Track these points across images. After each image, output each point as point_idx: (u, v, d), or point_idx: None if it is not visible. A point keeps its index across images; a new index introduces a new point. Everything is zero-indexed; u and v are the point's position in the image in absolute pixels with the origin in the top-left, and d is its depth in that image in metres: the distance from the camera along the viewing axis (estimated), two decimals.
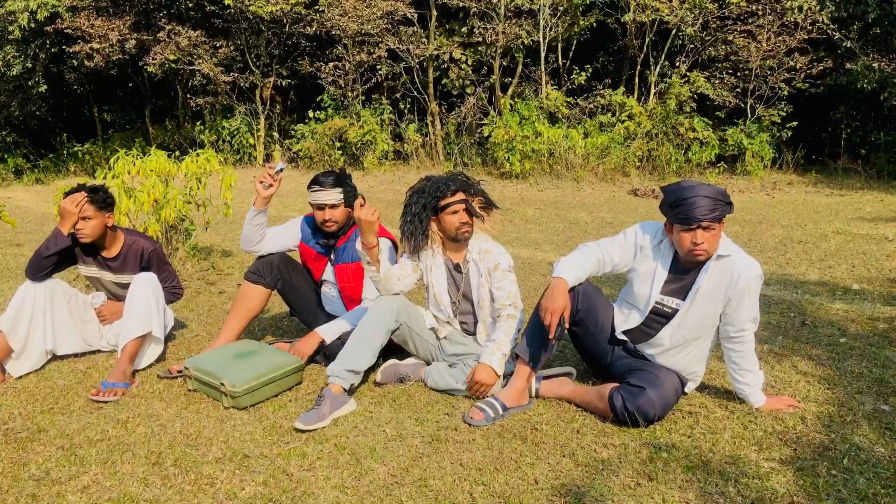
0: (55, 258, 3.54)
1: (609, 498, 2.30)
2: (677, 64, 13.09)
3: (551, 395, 3.07)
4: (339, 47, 14.32)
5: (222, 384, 3.08)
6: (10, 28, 14.62)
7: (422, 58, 14.10)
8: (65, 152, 18.55)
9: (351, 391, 3.15)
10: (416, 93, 14.64)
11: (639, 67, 13.54)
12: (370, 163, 14.01)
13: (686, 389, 3.03)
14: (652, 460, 2.53)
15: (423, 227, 3.21)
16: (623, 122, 12.80)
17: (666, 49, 13.13)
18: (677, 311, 2.86)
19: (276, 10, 13.79)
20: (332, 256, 3.65)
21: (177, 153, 16.44)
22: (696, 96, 12.60)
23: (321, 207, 3.49)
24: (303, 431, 2.85)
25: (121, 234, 3.76)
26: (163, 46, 14.18)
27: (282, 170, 3.53)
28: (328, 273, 3.72)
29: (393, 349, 3.44)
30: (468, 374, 3.10)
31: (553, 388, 3.07)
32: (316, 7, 13.93)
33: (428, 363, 3.38)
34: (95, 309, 3.83)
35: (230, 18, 14.90)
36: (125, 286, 3.76)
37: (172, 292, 3.81)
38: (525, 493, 2.34)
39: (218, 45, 14.90)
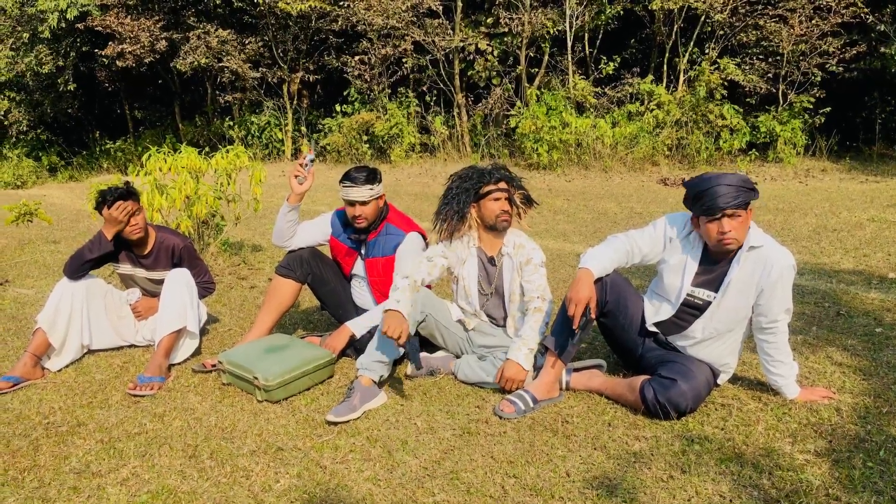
0: (95, 261, 3.63)
1: (641, 491, 2.30)
2: (707, 50, 12.90)
3: (582, 388, 3.07)
4: (365, 41, 14.34)
5: (255, 378, 3.12)
6: (41, 28, 14.86)
7: (447, 49, 14.07)
8: (97, 150, 18.89)
9: (381, 383, 3.18)
10: (442, 85, 14.62)
11: (667, 55, 13.37)
12: (397, 156, 14.04)
13: (719, 381, 3.00)
14: (684, 453, 2.52)
15: (463, 210, 3.22)
16: (652, 110, 12.66)
17: (695, 36, 12.95)
18: (710, 302, 2.84)
19: (305, 7, 13.85)
20: (363, 251, 3.68)
21: (206, 149, 16.72)
22: (726, 83, 12.40)
23: (352, 204, 3.51)
24: (334, 424, 2.89)
25: (152, 232, 3.84)
26: (193, 47, 14.31)
27: (312, 160, 3.57)
28: (358, 267, 3.74)
29: (423, 343, 3.46)
30: (498, 367, 3.11)
31: (583, 380, 3.07)
32: (341, 3, 13.97)
33: (457, 356, 3.39)
34: (130, 305, 3.91)
35: (258, 15, 15.00)
36: (158, 282, 3.83)
37: (205, 287, 3.87)
38: (557, 486, 2.35)
39: (246, 41, 15.01)
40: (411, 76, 14.83)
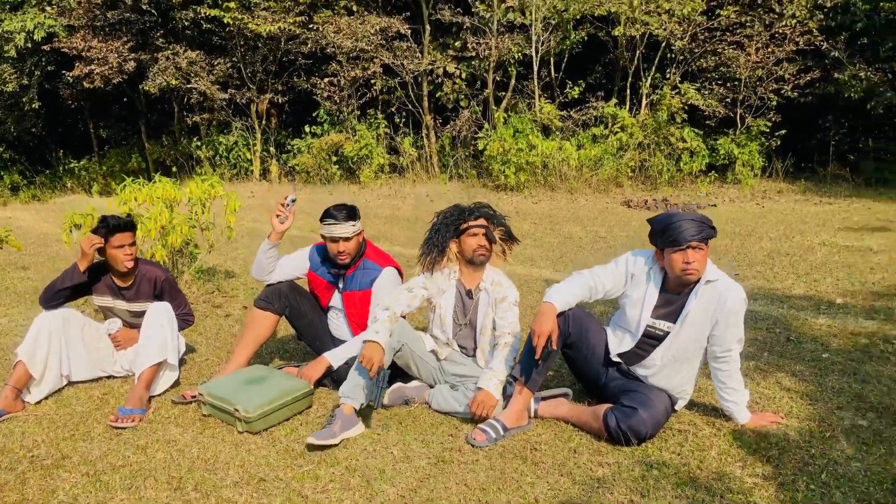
0: (68, 291, 3.72)
1: None
2: (668, 75, 13.32)
3: (549, 416, 3.25)
4: (334, 63, 14.50)
5: (236, 409, 3.24)
6: (6, 47, 14.77)
7: (416, 72, 14.30)
8: (61, 169, 18.70)
9: (359, 412, 3.32)
10: (410, 107, 14.84)
11: (630, 79, 13.76)
12: (366, 177, 14.19)
13: (676, 407, 3.20)
14: (644, 478, 2.70)
15: (443, 244, 3.45)
16: (615, 133, 13.01)
17: (656, 61, 13.36)
18: (668, 333, 3.04)
19: (274, 29, 13.97)
20: (341, 285, 3.82)
21: (174, 169, 16.70)
22: (686, 107, 12.82)
23: (335, 240, 3.65)
24: (315, 447, 3.02)
25: (137, 264, 3.92)
26: (162, 68, 14.33)
27: (293, 201, 3.71)
28: (336, 300, 3.88)
29: (397, 374, 3.61)
30: (469, 397, 3.28)
31: (550, 408, 3.25)
32: (311, 25, 14.13)
33: (431, 386, 3.55)
34: (111, 335, 3.98)
35: (228, 36, 15.08)
36: (139, 314, 3.92)
37: (184, 319, 3.98)
38: None
39: (215, 62, 15.07)
40: (380, 97, 15.02)
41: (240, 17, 14.06)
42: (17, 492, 2.76)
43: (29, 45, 14.65)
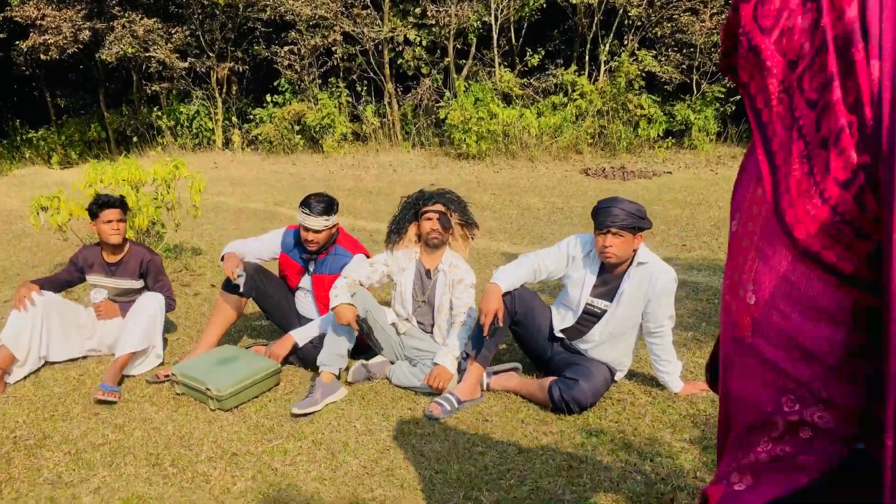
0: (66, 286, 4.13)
1: (546, 479, 2.75)
2: (625, 42, 13.53)
3: (501, 388, 3.52)
4: (294, 32, 14.44)
5: (208, 389, 3.45)
6: None
7: (376, 40, 14.31)
8: (18, 139, 18.42)
9: (338, 377, 3.59)
10: (372, 74, 14.87)
11: (589, 46, 13.95)
12: (329, 146, 14.26)
13: (616, 378, 3.50)
14: (583, 445, 2.99)
15: (401, 226, 3.73)
16: (575, 100, 13.23)
17: (614, 28, 13.55)
18: (606, 311, 3.32)
19: None
20: (311, 267, 4.02)
21: (135, 139, 16.56)
22: (644, 74, 13.08)
23: (307, 230, 3.85)
24: (299, 416, 3.29)
25: (127, 244, 4.20)
26: (118, 37, 14.14)
27: (241, 276, 3.90)
28: (305, 282, 4.09)
29: (361, 350, 3.86)
30: (427, 373, 3.53)
31: (501, 381, 3.52)
32: None
33: (392, 362, 3.80)
34: (95, 304, 4.15)
35: (185, 4, 14.89)
36: (124, 292, 4.19)
37: (169, 303, 4.17)
38: (476, 479, 2.78)
39: (173, 30, 14.89)
40: (342, 65, 15.01)
41: None
42: (3, 471, 2.96)
43: None
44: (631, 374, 3.65)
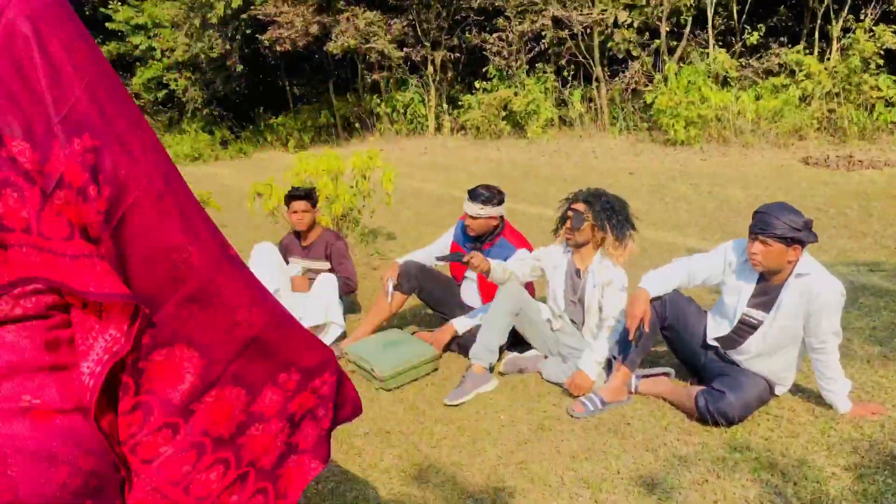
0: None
1: (678, 491, 2.71)
2: (862, 17, 12.18)
3: (649, 392, 3.47)
4: (502, 18, 14.68)
5: (373, 369, 3.77)
6: (209, 15, 16.41)
7: (586, 23, 14.13)
8: (262, 124, 20.57)
9: (491, 369, 3.76)
10: (581, 57, 14.72)
11: (819, 22, 12.74)
12: (533, 132, 14.37)
13: (777, 392, 3.30)
14: (724, 459, 2.89)
15: (560, 221, 3.79)
16: (800, 82, 12.17)
17: (849, 1, 12.25)
18: (762, 322, 3.15)
19: None
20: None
21: (357, 125, 17.84)
22: (882, 52, 11.70)
23: (467, 215, 4.09)
24: (451, 405, 3.50)
25: (319, 229, 4.76)
26: (342, 30, 15.27)
27: (392, 290, 4.24)
28: (470, 271, 4.30)
29: (515, 342, 3.98)
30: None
31: (650, 385, 3.47)
32: None
33: (545, 356, 3.88)
34: (291, 276, 4.73)
35: None
36: (313, 270, 4.71)
37: (346, 283, 4.59)
38: (606, 481, 2.80)
39: (392, 22, 15.78)
40: (552, 50, 15.01)
41: None
42: None
43: (229, 12, 16.14)
44: (797, 389, 3.42)
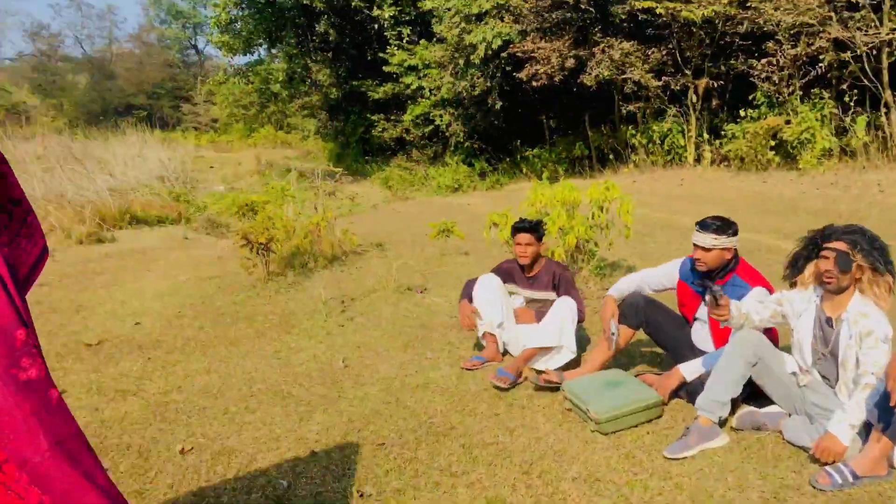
0: None
1: None
2: None
3: None
4: (772, 42, 13.58)
5: (588, 410, 3.55)
6: (473, 56, 17.26)
7: (872, 44, 12.58)
8: (518, 157, 21.11)
9: (721, 424, 3.37)
10: (866, 81, 13.11)
11: None
12: (806, 162, 13.04)
13: None
14: None
15: (798, 263, 3.36)
16: None
17: None
18: None
19: (709, 13, 13.68)
20: (707, 296, 3.85)
21: (611, 157, 17.56)
22: None
23: (696, 247, 3.75)
24: (671, 459, 3.19)
25: (543, 260, 4.71)
26: (597, 62, 15.17)
27: (615, 335, 4.02)
28: (701, 311, 3.93)
29: (752, 395, 3.53)
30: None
31: None
32: (748, 4, 13.44)
33: (787, 412, 3.38)
34: (515, 309, 4.73)
35: (662, 25, 15.22)
36: (537, 301, 4.65)
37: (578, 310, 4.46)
38: None
39: (649, 51, 15.36)
40: (830, 75, 13.58)
41: (672, 5, 14.05)
42: (410, 451, 3.48)
43: (489, 52, 16.84)
44: None
